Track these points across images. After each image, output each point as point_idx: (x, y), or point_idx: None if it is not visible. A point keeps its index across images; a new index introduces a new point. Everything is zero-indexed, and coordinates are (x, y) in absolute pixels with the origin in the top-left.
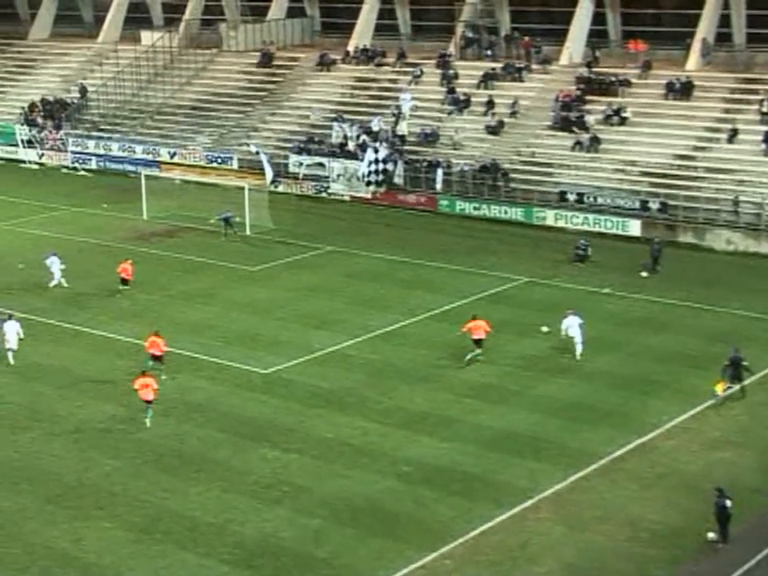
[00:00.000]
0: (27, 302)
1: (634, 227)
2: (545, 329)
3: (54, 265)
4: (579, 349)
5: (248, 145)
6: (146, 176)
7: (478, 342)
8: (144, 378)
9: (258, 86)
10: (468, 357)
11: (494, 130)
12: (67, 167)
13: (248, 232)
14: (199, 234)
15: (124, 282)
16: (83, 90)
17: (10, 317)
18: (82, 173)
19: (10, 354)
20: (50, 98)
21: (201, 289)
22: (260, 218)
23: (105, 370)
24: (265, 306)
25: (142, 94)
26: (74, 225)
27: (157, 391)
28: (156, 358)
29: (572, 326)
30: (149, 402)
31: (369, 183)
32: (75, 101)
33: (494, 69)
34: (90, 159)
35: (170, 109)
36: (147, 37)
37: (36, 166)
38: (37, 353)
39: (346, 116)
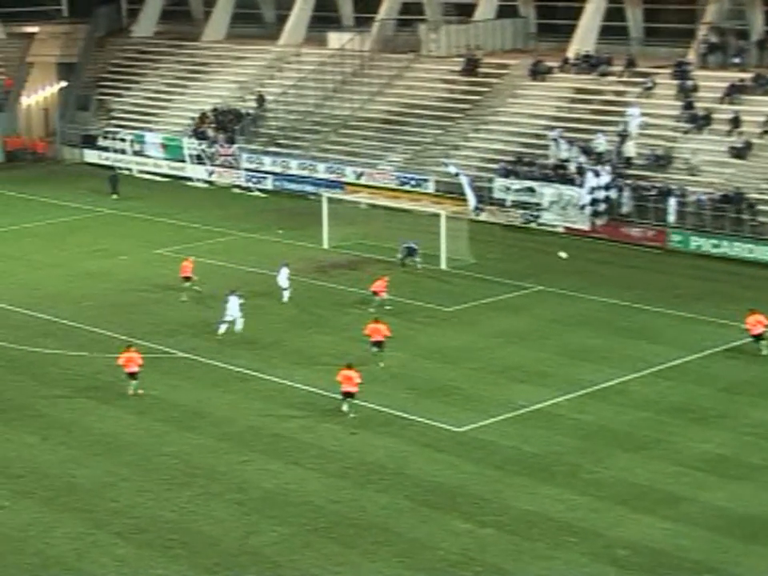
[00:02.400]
0: (189, 341)
1: None
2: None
3: (282, 277)
4: None
5: (446, 165)
6: (329, 198)
7: (759, 337)
8: (348, 371)
9: (460, 97)
10: (765, 351)
11: (740, 152)
12: (239, 187)
13: (443, 266)
14: (386, 267)
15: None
16: (261, 99)
17: (233, 291)
18: (256, 193)
19: (223, 326)
20: (223, 108)
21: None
22: (458, 250)
23: (274, 421)
24: (460, 354)
25: (327, 105)
26: (244, 253)
27: (359, 385)
28: (375, 344)
29: None
30: (350, 394)
31: (596, 213)
32: (251, 111)
33: (742, 80)
34: (265, 178)
35: (358, 122)
36: (335, 39)
37: (205, 185)
38: (198, 399)
39: (562, 133)
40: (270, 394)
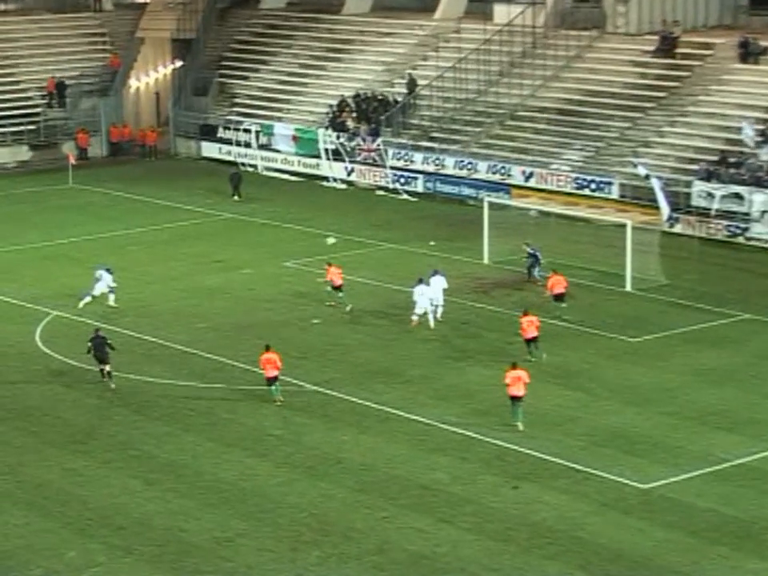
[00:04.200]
0: (321, 371)
1: None
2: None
3: (437, 288)
4: None
5: (635, 165)
6: (491, 204)
7: None
8: (516, 371)
9: (653, 83)
10: None
11: None
12: (384, 188)
13: (628, 287)
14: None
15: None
16: (412, 84)
17: (421, 281)
18: (404, 197)
19: (430, 317)
20: (367, 94)
21: (559, 364)
22: (647, 268)
23: (421, 470)
24: (648, 394)
25: (491, 92)
26: (388, 268)
27: (527, 386)
28: (529, 341)
29: None
30: (517, 398)
31: None
32: (400, 98)
33: None
34: (415, 178)
35: (527, 113)
36: (502, 13)
37: (343, 186)
38: (331, 441)
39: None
40: (417, 437)
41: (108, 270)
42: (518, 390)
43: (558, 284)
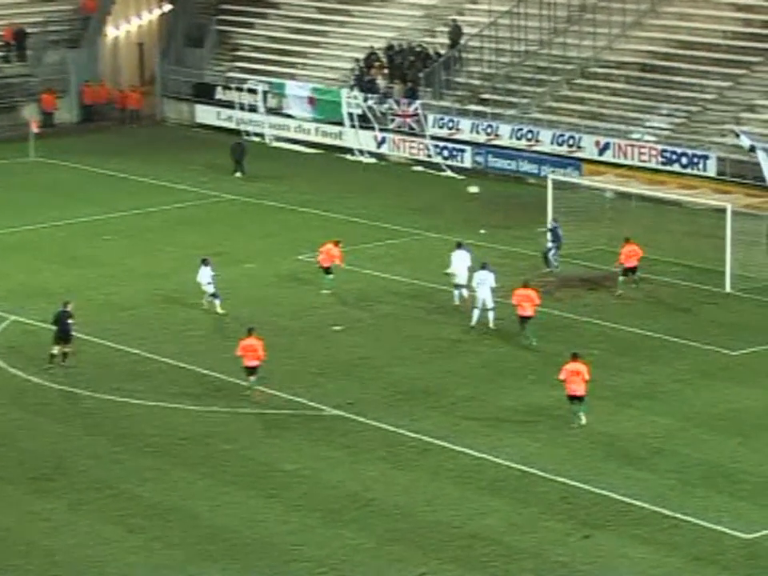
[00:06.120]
0: (345, 391)
1: None
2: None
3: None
4: None
5: (736, 135)
6: (557, 183)
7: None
8: (575, 364)
9: (760, 31)
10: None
11: None
12: (424, 163)
13: (728, 288)
14: (646, 285)
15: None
16: (456, 33)
17: (485, 266)
18: (448, 173)
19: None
20: (402, 46)
21: (643, 383)
22: (752, 263)
23: (468, 514)
24: (752, 420)
25: (555, 43)
26: (428, 262)
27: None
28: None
29: None
30: (577, 398)
31: None
32: (443, 51)
33: None
34: (462, 151)
35: (601, 69)
36: None
37: (372, 160)
38: (357, 479)
39: None
40: (465, 473)
41: (204, 262)
42: (577, 388)
43: (632, 255)
